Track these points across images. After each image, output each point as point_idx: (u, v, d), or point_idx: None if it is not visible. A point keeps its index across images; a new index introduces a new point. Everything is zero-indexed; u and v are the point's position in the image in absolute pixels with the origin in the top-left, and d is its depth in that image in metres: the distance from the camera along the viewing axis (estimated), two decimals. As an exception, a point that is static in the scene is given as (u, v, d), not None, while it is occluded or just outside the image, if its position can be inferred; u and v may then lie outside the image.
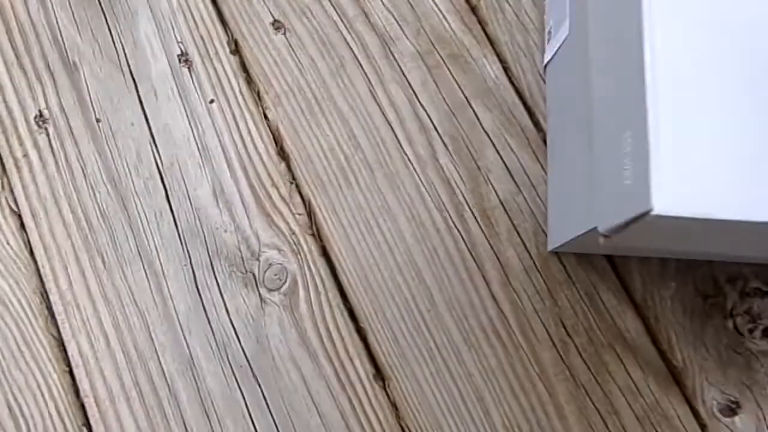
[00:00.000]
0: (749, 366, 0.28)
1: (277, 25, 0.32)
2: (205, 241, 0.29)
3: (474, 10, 0.32)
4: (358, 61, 0.31)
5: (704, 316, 0.28)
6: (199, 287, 0.29)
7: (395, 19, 0.32)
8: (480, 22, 0.32)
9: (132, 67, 0.31)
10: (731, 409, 0.27)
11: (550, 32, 0.31)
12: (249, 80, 0.31)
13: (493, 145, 0.30)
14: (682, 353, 0.28)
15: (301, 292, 0.29)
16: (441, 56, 0.31)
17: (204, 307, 0.28)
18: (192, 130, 0.30)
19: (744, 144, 0.18)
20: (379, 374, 0.28)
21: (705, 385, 0.28)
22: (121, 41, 0.32)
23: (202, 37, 0.31)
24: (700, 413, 0.27)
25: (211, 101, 0.31)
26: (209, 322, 0.28)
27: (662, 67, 0.18)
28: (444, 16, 0.32)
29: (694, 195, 0.17)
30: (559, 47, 0.29)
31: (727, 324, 0.28)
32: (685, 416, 0.27)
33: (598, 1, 0.23)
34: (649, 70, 0.18)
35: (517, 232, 0.29)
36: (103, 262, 0.29)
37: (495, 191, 0.30)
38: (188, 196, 0.30)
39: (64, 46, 0.31)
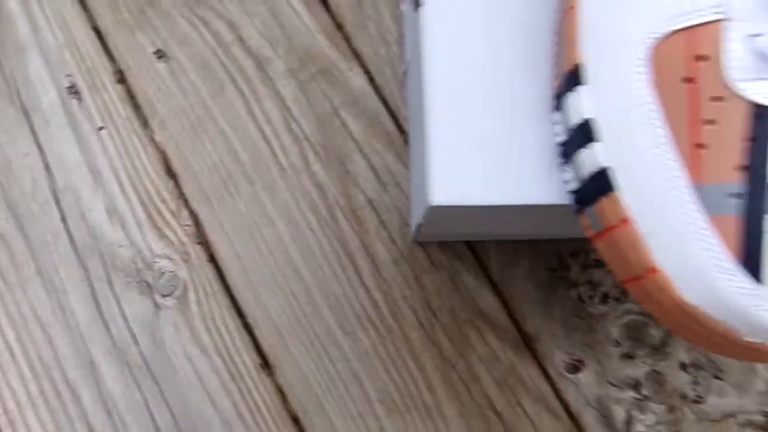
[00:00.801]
0: (590, 329, 0.31)
1: (159, 54, 0.35)
2: (102, 256, 0.32)
3: (340, 27, 0.35)
4: (236, 83, 0.34)
5: (551, 288, 0.32)
6: (98, 299, 0.31)
7: (268, 42, 0.35)
8: (346, 38, 0.35)
9: (24, 101, 0.33)
10: (576, 367, 0.31)
11: (405, 44, 0.34)
12: (136, 107, 0.34)
13: (360, 150, 0.33)
14: (533, 323, 0.32)
15: (192, 296, 0.31)
16: (311, 72, 0.35)
17: (103, 317, 0.31)
18: (84, 156, 0.33)
19: (510, 141, 0.21)
20: (266, 364, 0.31)
21: (553, 348, 0.31)
22: (12, 77, 0.34)
23: (89, 70, 0.34)
24: (550, 373, 0.31)
25: (101, 128, 0.33)
26: (108, 330, 0.31)
27: (439, 79, 0.21)
28: (313, 34, 0.35)
29: (466, 186, 0.21)
30: (409, 58, 0.32)
31: (571, 294, 0.32)
32: (537, 377, 0.31)
33: (408, 19, 0.26)
34: (428, 81, 0.21)
35: (385, 228, 0.32)
36: (5, 282, 0.31)
37: (363, 192, 0.33)
38: (83, 217, 0.32)
39: (-41, 87, 0.34)
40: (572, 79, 0.19)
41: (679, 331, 0.18)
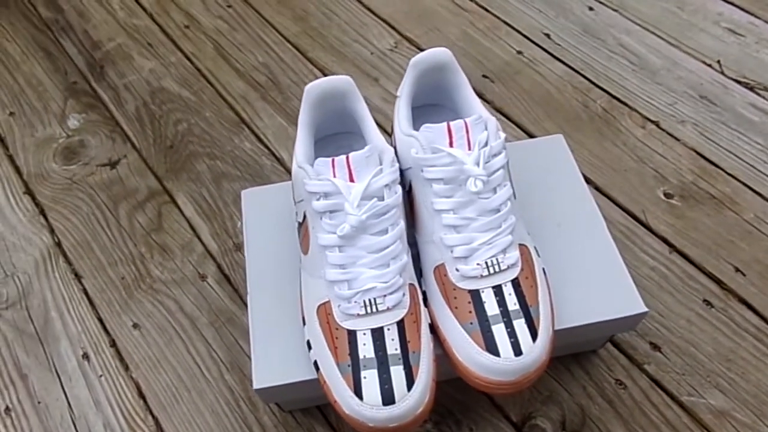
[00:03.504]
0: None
1: (135, 326, 0.60)
2: (101, 455, 0.53)
3: (236, 291, 0.61)
4: (180, 335, 0.59)
5: (369, 425, 0.53)
6: (98, 483, 0.51)
7: (196, 308, 0.61)
8: (241, 299, 0.61)
9: (57, 368, 0.57)
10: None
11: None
12: (121, 359, 0.58)
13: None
14: (360, 449, 0.52)
15: (155, 470, 0.52)
16: (222, 321, 0.60)
17: (101, 493, 0.51)
18: (91, 394, 0.56)
19: (296, 344, 0.45)
20: (200, 506, 0.50)
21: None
22: (50, 354, 0.58)
23: (94, 343, 0.59)
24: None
25: (101, 376, 0.57)
26: (104, 501, 0.50)
27: (257, 301, 0.46)
28: (222, 299, 0.61)
29: (275, 374, 0.44)
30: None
31: (380, 427, 0.53)
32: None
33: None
34: (251, 316, 0.46)
35: (268, 406, 0.54)
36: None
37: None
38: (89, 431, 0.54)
39: (17, 362, 0.58)
40: (302, 321, 0.44)
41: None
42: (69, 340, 0.60)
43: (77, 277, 0.64)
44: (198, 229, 0.67)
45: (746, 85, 0.75)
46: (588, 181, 0.68)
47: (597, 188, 0.67)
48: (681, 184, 0.67)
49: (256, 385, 0.44)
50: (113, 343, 0.60)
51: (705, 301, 0.58)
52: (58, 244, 0.67)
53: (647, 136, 0.71)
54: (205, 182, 0.71)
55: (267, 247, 0.52)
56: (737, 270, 0.60)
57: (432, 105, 0.53)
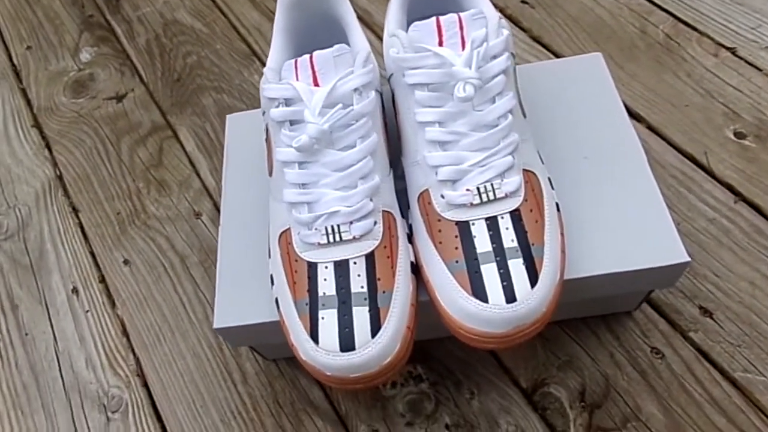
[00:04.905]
0: (384, 407, 0.46)
1: (126, 262, 0.57)
2: (80, 391, 0.51)
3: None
4: (168, 273, 0.56)
5: (357, 380, 0.47)
6: (75, 419, 0.49)
7: (188, 245, 0.57)
8: (235, 238, 0.56)
9: (47, 302, 0.56)
10: (373, 434, 0.45)
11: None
12: (108, 295, 0.55)
13: (238, 305, 0.52)
14: (345, 406, 0.46)
15: (130, 410, 0.49)
16: (212, 260, 0.55)
17: (76, 428, 0.49)
18: (76, 329, 0.54)
19: (258, 288, 0.40)
20: (172, 451, 0.47)
21: (359, 423, 0.46)
22: (41, 288, 0.57)
23: (84, 278, 0.57)
24: (356, 440, 0.45)
25: (87, 311, 0.55)
26: (78, 438, 0.48)
27: (227, 233, 0.41)
28: (214, 237, 0.57)
29: (237, 314, 0.39)
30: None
31: (369, 383, 0.47)
32: (348, 444, 0.45)
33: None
34: (220, 249, 0.41)
35: (251, 352, 0.50)
36: (23, 413, 0.50)
37: (239, 331, 0.51)
38: (72, 367, 0.52)
39: (10, 293, 0.57)
40: (268, 253, 0.38)
41: (320, 379, 0.34)
42: (60, 273, 0.58)
43: (74, 210, 0.62)
44: (197, 165, 0.63)
45: None
46: (639, 119, 0.58)
47: (650, 127, 0.56)
48: (758, 121, 0.55)
49: (215, 325, 0.39)
50: (102, 279, 0.57)
51: (776, 260, 0.47)
52: (60, 178, 0.65)
53: (719, 66, 0.59)
54: (209, 116, 0.66)
55: (246, 176, 0.47)
56: (823, 225, 0.48)
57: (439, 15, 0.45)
